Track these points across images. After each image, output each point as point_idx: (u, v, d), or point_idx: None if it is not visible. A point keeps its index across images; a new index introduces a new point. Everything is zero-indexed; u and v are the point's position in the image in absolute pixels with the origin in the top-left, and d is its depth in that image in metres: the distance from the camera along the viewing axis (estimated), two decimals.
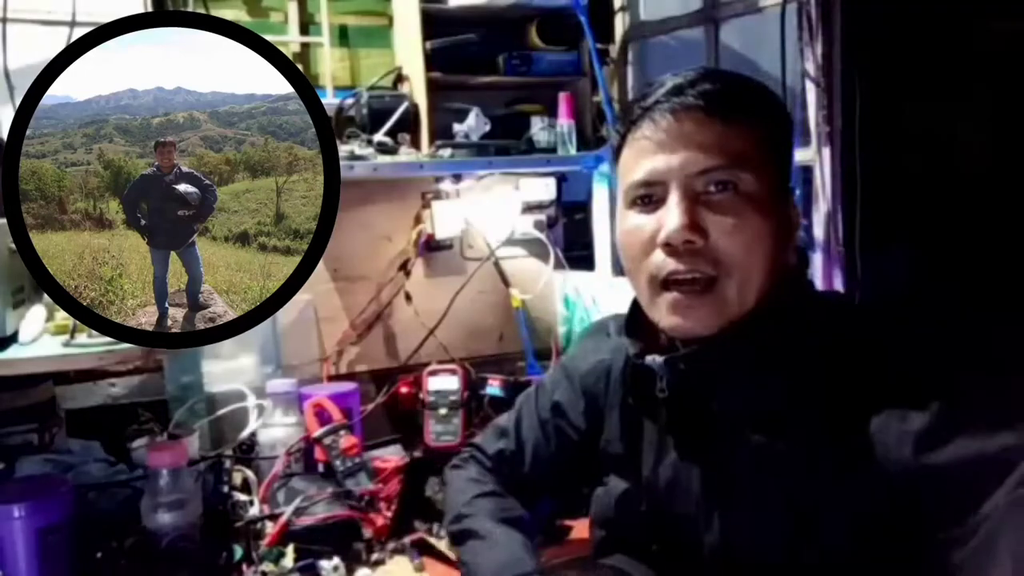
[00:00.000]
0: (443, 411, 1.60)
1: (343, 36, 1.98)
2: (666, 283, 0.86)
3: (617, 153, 0.93)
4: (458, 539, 1.08)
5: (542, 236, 1.97)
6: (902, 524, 0.76)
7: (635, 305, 0.96)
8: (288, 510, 1.29)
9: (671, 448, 0.93)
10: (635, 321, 0.96)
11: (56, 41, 1.41)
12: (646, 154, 0.87)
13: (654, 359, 0.91)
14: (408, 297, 1.90)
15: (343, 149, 1.61)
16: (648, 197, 0.87)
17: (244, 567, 1.22)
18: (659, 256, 0.86)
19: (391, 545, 1.30)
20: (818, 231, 1.57)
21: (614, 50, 2.03)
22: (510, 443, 1.14)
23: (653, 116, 0.86)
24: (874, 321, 0.90)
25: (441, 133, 1.79)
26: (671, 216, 0.84)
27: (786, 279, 0.88)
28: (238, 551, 1.24)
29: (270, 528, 1.28)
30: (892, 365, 0.81)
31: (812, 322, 0.87)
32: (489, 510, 1.07)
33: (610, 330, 1.08)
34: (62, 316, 1.25)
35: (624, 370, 1.01)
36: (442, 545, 1.30)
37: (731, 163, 0.83)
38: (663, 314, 0.88)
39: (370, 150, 1.66)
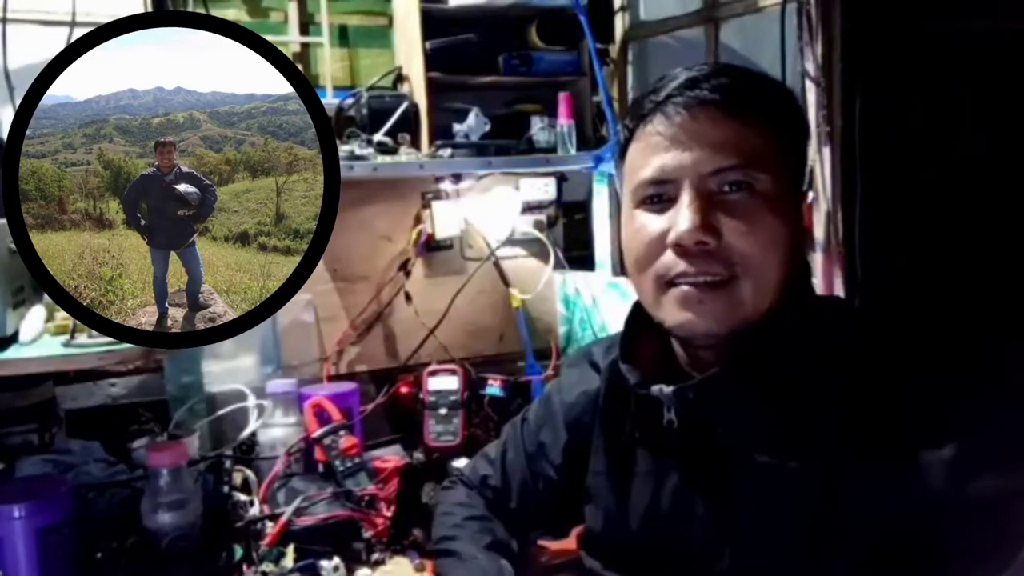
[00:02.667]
0: (443, 411, 1.60)
1: (343, 36, 1.98)
2: (673, 282, 0.82)
3: (624, 149, 0.88)
4: (440, 558, 1.06)
5: (542, 236, 1.97)
6: (924, 552, 0.73)
7: (629, 328, 0.92)
8: (288, 510, 1.29)
9: (672, 475, 0.89)
10: (630, 346, 0.91)
11: (56, 41, 1.40)
12: (657, 151, 0.82)
13: (661, 389, 0.85)
14: (408, 297, 1.90)
15: (343, 149, 1.61)
16: (658, 196, 0.83)
17: (244, 567, 1.22)
18: (668, 257, 0.81)
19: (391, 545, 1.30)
20: (818, 231, 1.56)
21: (614, 50, 2.03)
22: (496, 479, 1.10)
23: (666, 110, 0.81)
24: (884, 332, 0.85)
25: (441, 133, 1.79)
26: (683, 216, 0.79)
27: (793, 290, 0.83)
28: (238, 551, 1.24)
29: (270, 528, 1.28)
30: (909, 382, 0.77)
31: (820, 336, 0.83)
32: (475, 533, 1.04)
33: (595, 358, 1.03)
34: (62, 316, 1.25)
35: (607, 399, 0.97)
36: None
37: (747, 163, 0.79)
38: (671, 311, 0.82)
39: (370, 150, 1.66)
